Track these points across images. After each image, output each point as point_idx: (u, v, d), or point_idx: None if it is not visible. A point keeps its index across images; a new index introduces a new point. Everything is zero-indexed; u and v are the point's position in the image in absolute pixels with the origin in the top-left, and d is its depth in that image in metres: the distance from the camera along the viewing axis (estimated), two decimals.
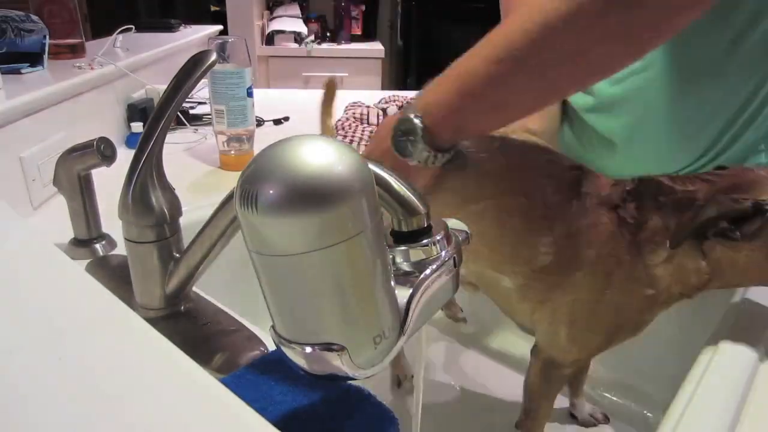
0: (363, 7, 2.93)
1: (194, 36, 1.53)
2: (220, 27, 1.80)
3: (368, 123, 1.09)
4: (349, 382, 0.32)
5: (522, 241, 0.52)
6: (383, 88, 2.79)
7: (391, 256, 0.33)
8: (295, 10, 2.89)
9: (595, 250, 0.49)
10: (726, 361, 0.47)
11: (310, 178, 0.25)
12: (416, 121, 0.50)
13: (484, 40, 0.49)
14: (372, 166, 0.33)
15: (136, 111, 1.03)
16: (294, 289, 0.27)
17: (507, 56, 0.46)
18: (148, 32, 1.47)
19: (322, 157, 0.26)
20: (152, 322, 0.46)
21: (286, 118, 1.20)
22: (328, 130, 0.78)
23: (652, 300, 0.50)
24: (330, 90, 0.79)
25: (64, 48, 0.97)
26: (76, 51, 1.00)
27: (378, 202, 0.28)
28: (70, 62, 0.94)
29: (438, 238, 0.34)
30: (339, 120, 1.10)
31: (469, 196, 0.55)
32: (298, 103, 1.40)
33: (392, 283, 0.30)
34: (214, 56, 0.41)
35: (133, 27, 1.20)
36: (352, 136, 1.01)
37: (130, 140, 1.01)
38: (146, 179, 0.43)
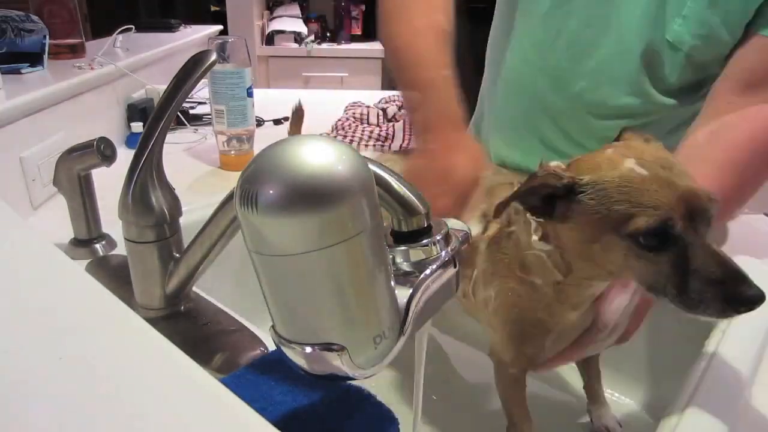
0: (363, 7, 2.93)
1: (194, 36, 1.53)
2: (220, 27, 1.80)
3: (368, 123, 1.09)
4: (349, 382, 0.32)
5: None
6: (383, 88, 2.79)
7: (391, 256, 0.33)
8: (295, 10, 2.89)
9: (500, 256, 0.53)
10: (725, 361, 0.47)
11: (310, 178, 0.25)
12: None
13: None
14: (372, 167, 0.33)
15: (136, 111, 1.03)
16: (294, 289, 0.27)
17: None
18: (147, 32, 1.47)
19: (322, 157, 0.26)
20: (152, 322, 0.46)
21: (286, 118, 1.20)
22: None
23: (539, 288, 0.50)
24: (298, 116, 0.80)
25: (64, 48, 0.97)
26: (76, 51, 1.00)
27: (378, 202, 0.28)
28: (70, 62, 0.94)
29: (438, 238, 0.34)
30: (339, 120, 1.10)
31: None
32: (291, 103, 1.40)
33: (392, 283, 0.30)
34: (214, 56, 0.41)
35: (133, 27, 1.20)
36: (352, 136, 1.01)
37: (130, 140, 1.01)
38: (146, 179, 0.43)
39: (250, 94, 0.89)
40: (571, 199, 0.42)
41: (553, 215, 0.44)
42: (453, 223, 0.38)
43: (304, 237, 0.25)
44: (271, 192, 0.25)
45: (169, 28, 1.45)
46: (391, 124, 1.07)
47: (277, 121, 1.19)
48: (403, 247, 0.33)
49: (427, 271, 0.32)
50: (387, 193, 0.33)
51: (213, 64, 0.42)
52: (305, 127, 1.15)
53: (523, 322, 0.53)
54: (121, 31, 1.18)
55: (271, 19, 2.83)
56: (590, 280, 0.47)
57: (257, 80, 2.57)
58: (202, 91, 1.32)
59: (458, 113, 0.59)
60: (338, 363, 0.28)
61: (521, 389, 0.57)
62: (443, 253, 0.34)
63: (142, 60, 1.16)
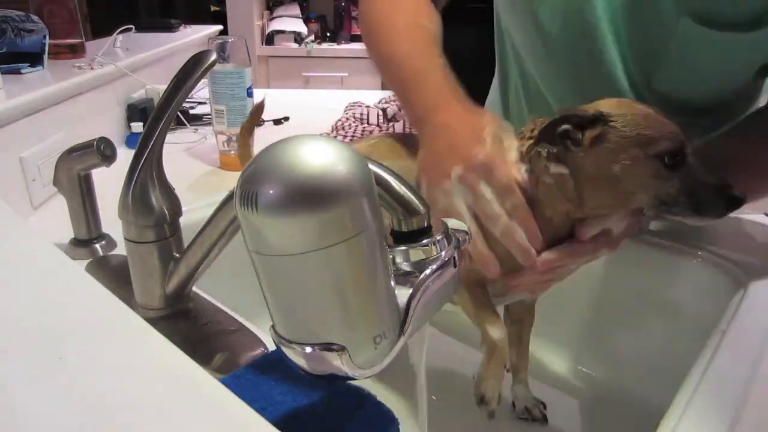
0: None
1: (194, 36, 1.53)
2: (221, 27, 1.80)
3: (368, 123, 1.09)
4: (349, 382, 0.32)
5: None
6: (383, 88, 2.79)
7: (390, 256, 0.33)
8: (295, 10, 2.89)
9: None
10: (725, 362, 0.47)
11: (309, 178, 0.25)
12: None
13: None
14: (372, 167, 0.33)
15: (136, 111, 1.03)
16: (294, 289, 0.27)
17: None
18: (147, 32, 1.47)
19: (322, 157, 0.26)
20: (152, 322, 0.46)
21: (286, 118, 1.20)
22: (243, 147, 0.79)
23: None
24: (257, 112, 0.79)
25: (64, 48, 0.97)
26: (76, 51, 1.00)
27: (378, 202, 0.28)
28: (70, 62, 0.94)
29: (438, 238, 0.34)
30: (339, 120, 1.10)
31: None
32: (299, 103, 1.40)
33: (392, 283, 0.30)
34: (214, 56, 0.41)
35: (133, 27, 1.20)
36: (352, 136, 1.01)
37: (130, 140, 1.01)
38: (146, 179, 0.43)
39: (250, 94, 0.89)
40: (599, 128, 0.49)
41: (581, 143, 0.49)
42: (453, 223, 0.38)
43: (304, 237, 0.25)
44: (271, 192, 0.25)
45: (169, 28, 1.45)
46: (391, 124, 1.07)
47: (277, 121, 1.19)
48: (403, 247, 0.33)
49: (427, 271, 0.32)
50: (387, 192, 0.33)
51: (213, 64, 0.42)
52: (305, 128, 1.15)
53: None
54: (121, 31, 1.18)
55: (271, 19, 2.83)
56: (600, 209, 0.51)
57: (257, 80, 2.57)
58: (202, 91, 1.32)
59: (460, 90, 0.57)
60: (338, 363, 0.28)
61: (485, 294, 0.56)
62: (443, 253, 0.34)
63: (142, 60, 1.16)
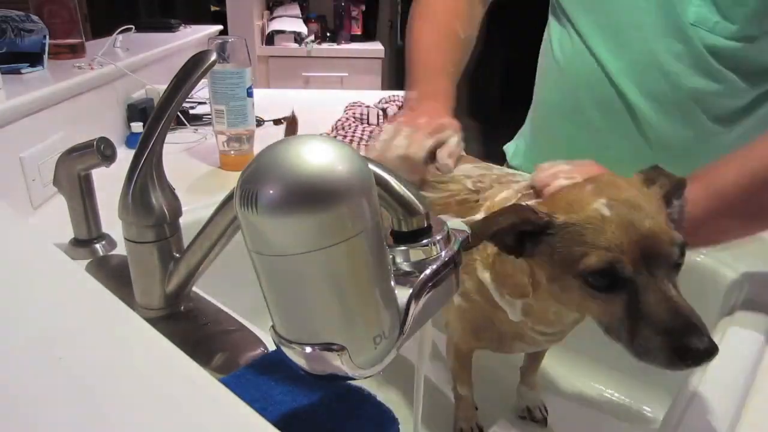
0: (363, 7, 2.94)
1: (194, 36, 1.53)
2: (220, 27, 1.80)
3: (368, 123, 1.09)
4: (349, 382, 0.32)
5: None
6: (383, 88, 2.79)
7: (391, 256, 0.33)
8: (295, 10, 2.89)
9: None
10: (725, 362, 0.47)
11: (310, 178, 0.25)
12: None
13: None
14: (372, 167, 0.33)
15: (136, 111, 1.03)
16: (294, 289, 0.27)
17: None
18: (147, 32, 1.47)
19: (322, 157, 0.26)
20: (152, 322, 0.46)
21: (286, 119, 1.20)
22: None
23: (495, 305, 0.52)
24: (292, 126, 0.84)
25: (64, 48, 0.97)
26: (76, 51, 1.00)
27: (378, 202, 0.28)
28: (70, 62, 0.94)
29: (438, 238, 0.34)
30: (339, 120, 1.10)
31: None
32: (299, 103, 1.39)
33: (392, 283, 0.30)
34: (213, 56, 0.41)
35: (133, 27, 1.20)
36: (352, 136, 1.01)
37: (130, 140, 1.01)
38: (146, 179, 0.42)
39: (250, 94, 0.89)
40: (540, 239, 0.42)
41: (524, 252, 0.44)
42: (453, 224, 0.38)
43: (304, 237, 0.25)
44: (271, 192, 0.25)
45: (169, 28, 1.45)
46: None
47: (277, 121, 1.19)
48: (403, 247, 0.33)
49: (427, 271, 0.32)
50: (387, 193, 0.33)
51: (213, 64, 0.42)
52: (306, 128, 1.15)
53: (481, 326, 0.56)
54: (121, 31, 1.18)
55: (271, 19, 2.83)
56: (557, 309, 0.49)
57: (257, 80, 2.57)
58: (202, 91, 1.32)
59: (446, 99, 0.68)
60: (338, 363, 0.28)
61: (468, 362, 0.62)
62: (443, 253, 0.34)
63: (142, 60, 1.16)
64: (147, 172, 0.42)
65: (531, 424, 0.68)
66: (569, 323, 0.52)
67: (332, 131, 1.06)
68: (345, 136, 1.01)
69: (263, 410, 0.34)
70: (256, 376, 0.37)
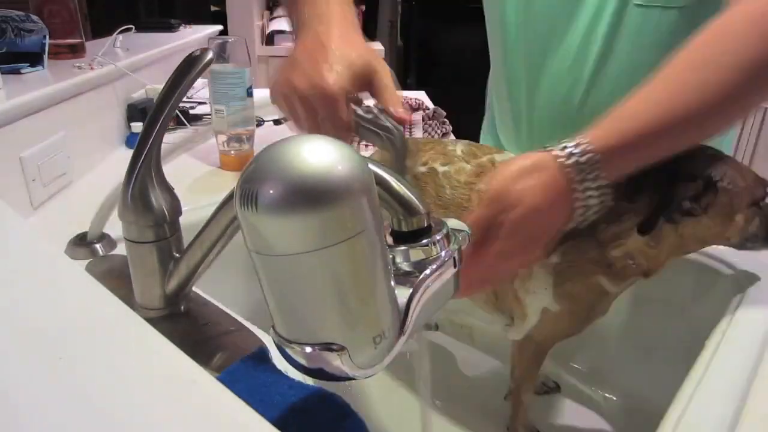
0: (363, 7, 2.94)
1: (194, 36, 1.53)
2: (221, 27, 1.80)
3: None
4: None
5: None
6: None
7: (391, 256, 0.33)
8: None
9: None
10: (726, 362, 0.47)
11: (310, 178, 0.25)
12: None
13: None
14: (372, 166, 0.33)
15: (136, 111, 1.03)
16: (294, 289, 0.27)
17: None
18: (147, 32, 1.47)
19: (322, 157, 0.26)
20: (152, 322, 0.46)
21: (285, 119, 1.20)
22: None
23: (609, 279, 0.54)
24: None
25: (64, 48, 0.97)
26: (76, 51, 1.00)
27: (378, 201, 0.28)
28: (70, 62, 0.94)
29: (438, 238, 0.34)
30: None
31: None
32: None
33: (392, 282, 0.30)
34: (210, 55, 0.41)
35: (133, 27, 1.20)
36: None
37: (130, 140, 1.01)
38: (145, 179, 0.42)
39: (250, 94, 0.89)
40: (711, 194, 0.49)
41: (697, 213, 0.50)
42: (453, 223, 0.38)
43: (304, 237, 0.25)
44: (271, 192, 0.25)
45: (169, 28, 1.45)
46: None
47: (277, 122, 1.18)
48: (403, 247, 0.33)
49: (427, 271, 0.32)
50: (387, 192, 0.33)
51: (209, 62, 0.42)
52: None
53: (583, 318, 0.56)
54: (121, 31, 1.17)
55: (271, 19, 2.83)
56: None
57: (257, 80, 2.57)
58: (202, 90, 1.32)
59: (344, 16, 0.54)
60: (338, 363, 0.28)
61: (541, 362, 0.61)
62: (443, 253, 0.34)
63: (142, 60, 1.16)
64: (146, 172, 0.42)
65: (548, 396, 0.70)
66: None
67: None
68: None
69: (262, 402, 0.34)
70: (252, 369, 0.37)
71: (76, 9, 0.97)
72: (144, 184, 0.43)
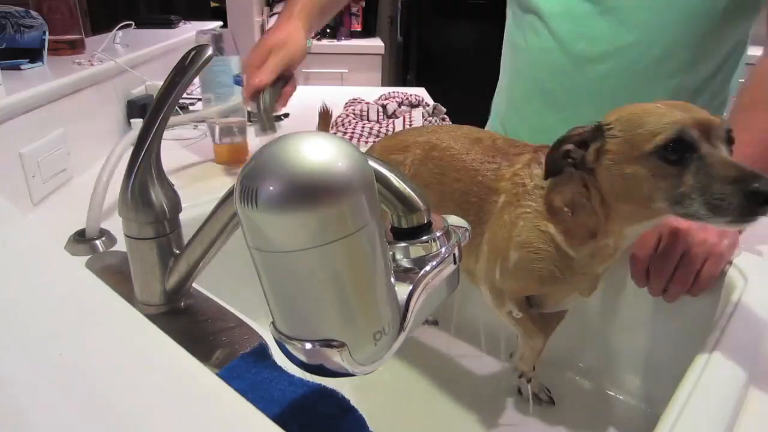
0: (363, 4, 2.93)
1: (194, 32, 1.52)
2: (221, 23, 1.79)
3: (368, 119, 1.09)
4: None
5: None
6: (383, 84, 2.79)
7: (391, 253, 0.33)
8: None
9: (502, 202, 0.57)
10: (723, 360, 0.47)
11: (310, 175, 0.25)
12: None
13: None
14: (372, 163, 0.33)
15: (135, 107, 1.02)
16: (294, 286, 0.27)
17: None
18: (147, 28, 1.46)
19: (322, 154, 0.26)
20: (152, 318, 0.46)
21: (286, 115, 1.20)
22: None
23: (559, 230, 0.54)
24: (324, 117, 0.87)
25: (64, 44, 0.97)
26: (76, 47, 0.99)
27: (378, 198, 0.28)
28: (69, 58, 0.94)
29: (438, 234, 0.34)
30: (339, 116, 1.10)
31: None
32: (299, 99, 1.39)
33: (392, 279, 0.30)
34: (210, 51, 0.41)
35: (133, 23, 1.20)
36: (352, 133, 1.01)
37: None
38: (145, 175, 0.42)
39: (237, 82, 0.88)
40: (599, 140, 0.48)
41: (585, 164, 0.49)
42: (453, 220, 0.38)
43: (304, 233, 0.25)
44: (271, 188, 0.25)
45: (169, 24, 1.45)
46: (391, 120, 1.07)
47: (276, 118, 1.18)
48: (403, 244, 0.33)
49: (427, 268, 0.32)
50: (387, 189, 0.33)
51: (209, 58, 0.42)
52: (305, 124, 1.15)
53: (545, 275, 0.56)
54: (121, 27, 1.17)
55: (271, 15, 2.82)
56: (627, 221, 0.51)
57: None
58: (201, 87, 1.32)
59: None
60: (338, 359, 0.28)
61: (526, 309, 0.61)
62: (443, 249, 0.34)
63: (142, 56, 1.15)
64: (146, 168, 0.42)
65: (540, 406, 0.69)
66: (622, 254, 0.55)
67: (331, 128, 1.05)
68: (345, 133, 1.01)
69: (261, 399, 0.34)
70: (252, 365, 0.37)
71: (76, 5, 0.96)
72: (144, 181, 0.43)
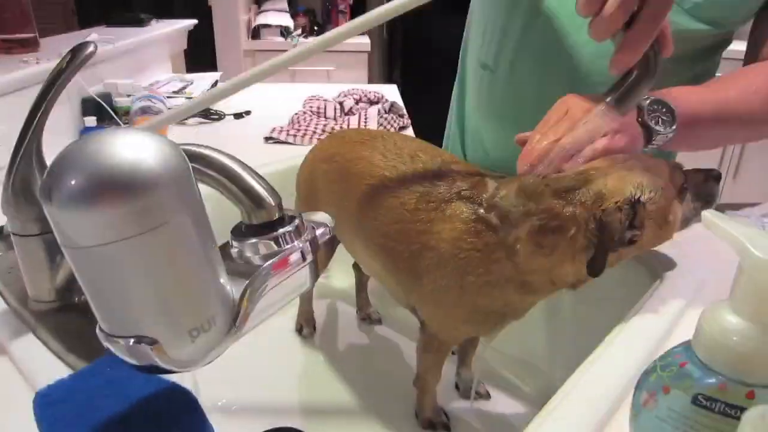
0: (351, 1, 2.92)
1: (161, 31, 1.52)
2: (194, 21, 1.79)
3: (325, 117, 1.09)
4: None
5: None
6: (370, 81, 2.78)
7: (237, 249, 0.33)
8: (283, 3, 2.88)
9: (449, 247, 0.50)
10: (621, 349, 0.47)
11: (109, 169, 0.25)
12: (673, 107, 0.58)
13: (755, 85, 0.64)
14: (221, 157, 0.33)
15: (91, 105, 1.03)
16: (104, 281, 0.27)
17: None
18: (118, 27, 1.46)
19: (124, 149, 0.25)
20: (43, 315, 0.47)
21: (248, 112, 1.20)
22: None
23: (523, 292, 0.50)
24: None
25: (15, 43, 0.97)
26: (28, 45, 1.00)
27: (195, 192, 0.28)
28: (18, 57, 0.95)
29: (289, 229, 0.33)
30: (296, 113, 1.10)
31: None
32: (263, 96, 1.39)
33: (222, 275, 0.30)
34: (91, 48, 0.41)
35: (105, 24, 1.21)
36: (306, 129, 1.01)
37: (84, 134, 1.01)
38: (27, 171, 0.42)
39: None
40: (641, 211, 0.47)
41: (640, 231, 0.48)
42: (319, 217, 0.38)
43: (104, 228, 0.25)
44: (70, 183, 0.25)
45: (140, 23, 1.45)
46: (347, 117, 1.07)
47: (237, 115, 1.18)
48: (252, 240, 0.33)
49: (266, 264, 0.32)
50: (234, 185, 0.32)
51: (90, 55, 0.41)
52: (266, 120, 1.14)
53: (479, 314, 0.53)
54: (91, 27, 1.18)
55: (258, 13, 2.83)
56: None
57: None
58: (167, 85, 1.32)
59: None
60: (153, 356, 0.28)
61: (443, 358, 0.60)
62: (294, 244, 0.33)
63: (101, 55, 1.16)
64: (26, 164, 0.42)
65: (478, 400, 0.69)
66: None
67: (289, 124, 1.05)
68: (299, 129, 1.01)
69: (113, 396, 0.34)
70: (115, 363, 0.37)
71: (28, 3, 0.97)
72: (26, 176, 0.43)
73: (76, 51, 0.42)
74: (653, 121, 0.57)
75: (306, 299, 0.78)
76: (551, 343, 0.72)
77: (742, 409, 0.23)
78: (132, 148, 0.26)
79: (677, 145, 0.64)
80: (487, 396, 0.69)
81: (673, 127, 0.57)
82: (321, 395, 0.69)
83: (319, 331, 0.79)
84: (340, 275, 0.87)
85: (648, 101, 0.57)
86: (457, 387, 0.70)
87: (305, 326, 0.78)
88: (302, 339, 0.77)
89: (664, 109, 0.58)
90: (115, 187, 0.25)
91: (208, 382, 0.53)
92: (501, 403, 0.68)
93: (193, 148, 0.33)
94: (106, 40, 1.20)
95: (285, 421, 0.53)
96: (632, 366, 0.44)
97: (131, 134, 0.26)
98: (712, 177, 0.54)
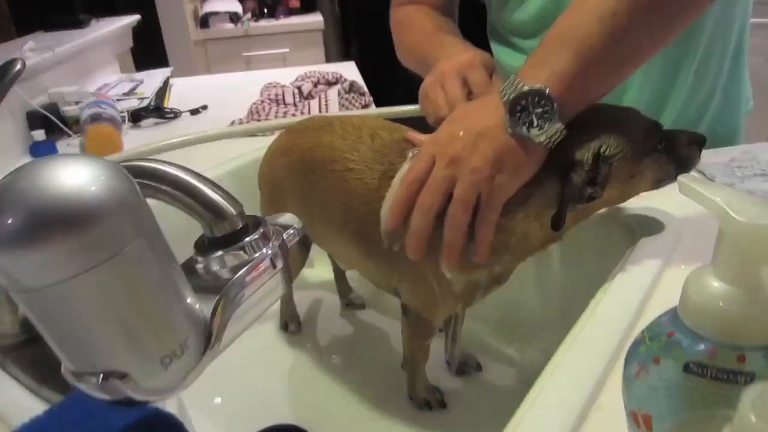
0: None
1: (105, 29, 1.46)
2: (137, 17, 1.72)
3: (284, 104, 1.06)
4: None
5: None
6: (327, 60, 2.73)
7: (202, 265, 0.31)
8: None
9: None
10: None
11: (48, 203, 0.23)
12: (548, 92, 0.45)
13: None
14: (174, 170, 0.31)
15: (37, 118, 0.98)
16: (61, 321, 0.25)
17: (622, 7, 0.46)
18: (56, 31, 1.39)
19: (61, 178, 0.24)
20: (8, 349, 0.45)
21: (204, 107, 1.16)
22: None
23: (498, 256, 0.51)
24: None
25: None
26: None
27: (146, 213, 0.26)
28: None
29: (255, 237, 0.32)
30: (254, 103, 1.07)
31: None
32: (219, 89, 1.35)
33: (188, 295, 0.28)
34: (18, 66, 0.39)
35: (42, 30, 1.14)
36: (266, 119, 0.98)
37: (35, 149, 0.96)
38: None
39: None
40: (605, 168, 0.47)
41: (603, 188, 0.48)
42: (286, 218, 0.36)
43: (50, 267, 0.23)
44: (7, 224, 0.23)
45: (78, 25, 1.38)
46: (307, 102, 1.04)
47: (194, 111, 1.15)
48: (218, 253, 0.31)
49: (235, 277, 0.30)
50: (191, 198, 0.31)
51: (19, 73, 0.39)
52: (224, 114, 1.11)
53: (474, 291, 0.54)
54: (28, 34, 1.12)
55: (204, 1, 2.73)
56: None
57: (194, 66, 2.49)
58: (116, 87, 1.27)
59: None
60: (125, 389, 0.26)
61: (430, 337, 0.59)
62: (263, 251, 0.32)
63: (43, 62, 1.10)
64: None
65: (469, 374, 0.69)
66: None
67: (248, 115, 1.02)
68: (259, 120, 0.98)
69: (96, 426, 0.33)
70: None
71: None
72: None
73: (4, 70, 0.39)
74: (525, 127, 0.46)
75: (286, 297, 0.77)
76: (538, 305, 0.72)
77: (734, 373, 0.23)
78: (70, 177, 0.24)
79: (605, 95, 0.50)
80: (479, 368, 0.70)
81: (556, 119, 0.45)
82: (314, 389, 0.69)
83: (304, 325, 0.78)
84: (318, 264, 0.86)
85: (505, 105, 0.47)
86: (448, 364, 0.70)
87: (290, 323, 0.77)
88: (289, 335, 0.76)
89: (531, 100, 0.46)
90: (57, 222, 0.23)
91: (198, 387, 0.52)
92: (494, 374, 0.69)
93: (142, 164, 0.31)
94: (44, 47, 1.14)
95: (280, 418, 0.53)
96: (617, 331, 0.44)
97: (67, 161, 0.25)
98: (696, 141, 0.51)
